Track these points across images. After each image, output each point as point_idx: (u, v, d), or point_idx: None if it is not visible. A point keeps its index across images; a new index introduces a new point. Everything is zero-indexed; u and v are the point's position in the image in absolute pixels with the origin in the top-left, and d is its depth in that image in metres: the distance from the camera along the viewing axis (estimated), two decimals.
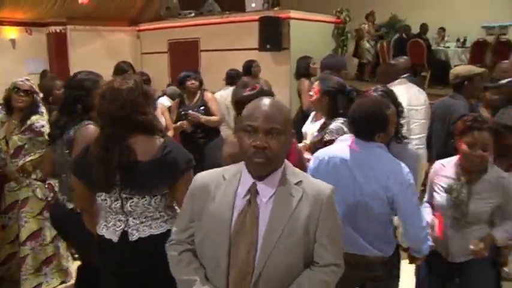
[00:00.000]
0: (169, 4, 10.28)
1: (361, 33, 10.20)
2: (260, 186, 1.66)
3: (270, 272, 1.60)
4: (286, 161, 1.73)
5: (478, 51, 9.07)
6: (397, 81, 4.37)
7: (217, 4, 9.90)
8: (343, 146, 2.44)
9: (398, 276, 2.54)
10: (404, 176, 2.28)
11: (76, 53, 9.46)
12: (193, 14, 9.93)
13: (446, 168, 2.66)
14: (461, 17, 10.29)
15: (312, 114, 3.67)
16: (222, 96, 5.82)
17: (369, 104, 2.41)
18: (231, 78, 6.05)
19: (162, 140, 2.26)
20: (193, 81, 5.11)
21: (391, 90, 2.85)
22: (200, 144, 4.98)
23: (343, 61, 4.64)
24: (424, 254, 2.46)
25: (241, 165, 1.74)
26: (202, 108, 5.02)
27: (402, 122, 4.00)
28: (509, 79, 3.75)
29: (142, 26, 10.59)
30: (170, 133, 4.86)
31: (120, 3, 9.72)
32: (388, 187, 2.26)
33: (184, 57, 9.58)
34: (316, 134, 3.27)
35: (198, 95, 5.14)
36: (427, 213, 2.72)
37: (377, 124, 2.34)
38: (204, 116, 4.93)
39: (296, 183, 1.69)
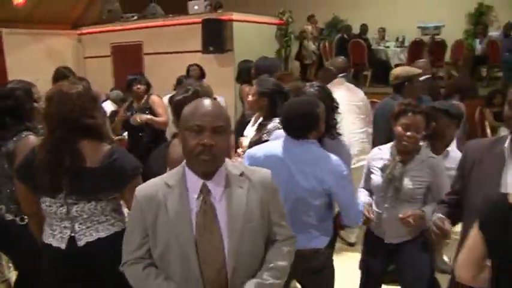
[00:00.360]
0: (111, 7, 10.09)
1: (304, 34, 10.40)
2: (210, 185, 1.72)
3: (242, 261, 1.71)
4: None
5: (415, 51, 9.44)
6: (335, 80, 4.50)
7: (160, 7, 9.81)
8: (277, 144, 2.51)
9: (332, 266, 2.64)
10: (339, 168, 2.39)
11: (13, 57, 9.09)
12: (136, 17, 9.81)
13: (382, 151, 2.85)
14: (400, 18, 10.67)
15: (253, 118, 3.72)
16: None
17: (300, 103, 2.51)
18: (180, 83, 6.04)
19: (109, 146, 2.26)
20: (139, 86, 5.06)
21: (326, 87, 2.95)
22: (147, 149, 4.93)
23: (276, 63, 4.73)
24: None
25: (179, 170, 1.78)
26: (147, 111, 4.98)
27: (338, 117, 4.23)
28: (426, 76, 4.05)
29: (84, 30, 10.37)
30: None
31: (59, 6, 9.49)
32: (324, 180, 2.36)
33: (128, 61, 9.46)
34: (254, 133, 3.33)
35: (145, 98, 5.09)
36: (363, 195, 2.89)
37: (309, 122, 2.43)
38: (147, 116, 4.88)
39: (240, 175, 1.79)
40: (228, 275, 1.69)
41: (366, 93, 4.84)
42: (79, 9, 9.95)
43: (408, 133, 2.62)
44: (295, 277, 2.57)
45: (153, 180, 1.83)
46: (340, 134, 2.84)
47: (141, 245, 1.77)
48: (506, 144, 1.93)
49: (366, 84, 9.36)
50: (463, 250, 1.81)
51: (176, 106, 2.73)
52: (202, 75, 6.58)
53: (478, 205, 1.85)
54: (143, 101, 5.09)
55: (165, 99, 5.72)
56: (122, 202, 2.37)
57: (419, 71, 4.25)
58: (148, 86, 5.17)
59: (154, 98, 5.13)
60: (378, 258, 2.87)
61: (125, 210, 2.36)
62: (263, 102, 3.26)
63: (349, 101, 4.33)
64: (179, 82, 6.09)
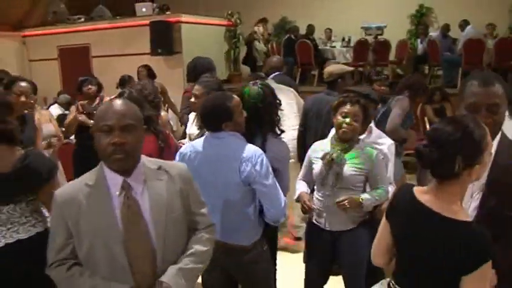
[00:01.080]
0: (56, 8, 9.88)
1: (255, 36, 10.52)
2: (130, 181, 1.77)
3: (169, 250, 1.80)
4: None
5: (360, 51, 9.75)
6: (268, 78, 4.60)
7: (108, 9, 9.71)
8: (201, 140, 2.60)
9: (266, 261, 2.69)
10: (257, 158, 2.42)
11: None
12: (82, 19, 9.68)
13: (323, 144, 2.97)
14: (345, 18, 10.96)
15: (192, 115, 3.79)
16: None
17: (213, 98, 2.61)
18: (123, 82, 6.03)
19: (22, 151, 2.32)
20: (89, 86, 4.98)
21: (269, 85, 3.02)
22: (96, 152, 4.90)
23: (211, 62, 4.82)
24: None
25: (98, 169, 1.81)
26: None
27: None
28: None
29: (28, 32, 10.12)
30: (58, 143, 4.70)
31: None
32: (243, 171, 2.41)
33: (76, 64, 9.32)
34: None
35: (97, 100, 5.00)
36: (301, 185, 3.01)
37: (220, 114, 2.49)
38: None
39: (157, 169, 1.86)
40: (158, 264, 1.76)
41: (313, 92, 4.97)
42: (21, 10, 9.68)
43: (347, 119, 2.75)
44: (228, 271, 2.64)
45: (71, 182, 1.87)
46: (283, 131, 2.90)
47: (64, 246, 1.76)
48: None
49: (313, 84, 9.58)
50: (376, 238, 1.91)
51: None
52: (151, 75, 6.55)
53: None
54: (96, 102, 4.99)
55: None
56: None
57: (351, 68, 4.56)
58: (99, 87, 5.11)
59: (107, 99, 5.09)
60: (321, 249, 2.93)
61: (45, 211, 2.42)
62: None
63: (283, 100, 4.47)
64: (122, 82, 6.08)
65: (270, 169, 2.47)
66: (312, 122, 4.28)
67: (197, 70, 4.50)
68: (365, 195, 2.76)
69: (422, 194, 1.71)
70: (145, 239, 1.75)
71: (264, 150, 2.55)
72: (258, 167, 2.41)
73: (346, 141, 2.82)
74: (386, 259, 1.87)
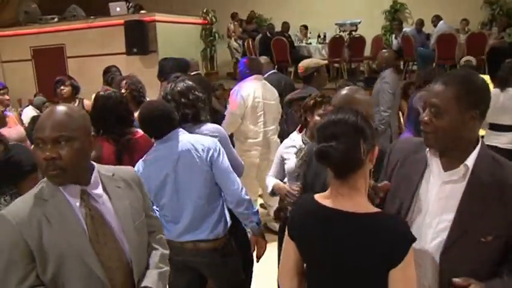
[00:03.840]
0: (27, 8, 9.69)
1: (228, 33, 10.52)
2: (89, 190, 1.66)
3: (140, 256, 1.77)
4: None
5: (335, 47, 9.83)
6: (253, 76, 4.64)
7: (81, 9, 9.59)
8: (155, 149, 2.64)
9: (236, 255, 2.74)
10: (211, 143, 2.56)
11: None
12: (56, 19, 9.53)
13: (294, 140, 2.99)
14: (320, 15, 11.05)
15: None
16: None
17: (156, 105, 2.67)
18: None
19: (2, 146, 2.39)
20: (62, 87, 4.84)
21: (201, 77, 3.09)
22: None
23: (187, 62, 4.85)
24: (258, 226, 2.69)
25: (48, 182, 1.64)
26: None
27: (259, 114, 4.44)
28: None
29: None
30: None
31: None
32: (201, 157, 2.52)
33: (51, 65, 9.17)
34: None
35: (77, 103, 4.89)
36: (271, 181, 3.04)
37: (164, 121, 2.58)
38: None
39: (112, 175, 1.78)
40: (134, 273, 1.70)
41: None
42: None
43: None
44: (198, 271, 2.69)
45: (20, 199, 1.67)
46: (202, 122, 2.93)
47: (28, 273, 1.54)
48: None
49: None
50: (281, 259, 1.73)
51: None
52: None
53: (394, 212, 1.67)
54: (74, 104, 4.87)
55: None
56: None
57: (325, 62, 4.78)
58: (74, 87, 4.93)
59: (87, 103, 4.89)
60: None
61: None
62: None
63: (264, 99, 4.54)
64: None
65: (224, 152, 2.60)
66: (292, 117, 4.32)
67: (163, 71, 4.57)
68: None
69: (324, 199, 1.56)
70: (117, 249, 1.67)
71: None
72: (212, 151, 2.54)
73: None
74: (295, 282, 1.65)
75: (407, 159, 1.73)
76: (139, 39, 8.00)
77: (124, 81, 3.92)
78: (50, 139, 1.54)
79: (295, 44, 10.42)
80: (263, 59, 5.71)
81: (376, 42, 10.44)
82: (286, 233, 1.64)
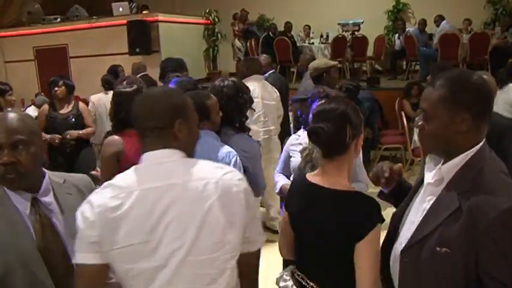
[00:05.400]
0: (30, 9, 9.73)
1: (233, 32, 10.51)
2: (39, 197, 1.64)
3: None
4: None
5: (338, 47, 9.81)
6: (255, 76, 4.64)
7: (84, 9, 9.62)
8: None
9: None
10: (230, 158, 2.47)
11: None
12: (59, 20, 9.56)
13: (300, 138, 3.01)
14: (323, 15, 11.03)
15: None
16: (101, 100, 5.85)
17: (190, 97, 2.63)
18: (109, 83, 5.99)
19: None
20: (56, 88, 4.80)
21: (239, 82, 3.05)
22: (69, 154, 4.85)
23: (182, 62, 4.87)
24: None
25: None
26: (73, 119, 4.81)
27: (258, 114, 4.38)
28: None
29: (2, 32, 9.96)
30: None
31: None
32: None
33: (53, 65, 9.21)
34: None
35: (73, 104, 4.89)
36: (280, 178, 3.04)
37: (198, 112, 2.52)
38: (76, 132, 4.76)
39: (63, 182, 1.74)
40: None
41: (292, 89, 5.01)
42: None
43: None
44: None
45: None
46: (245, 130, 2.93)
47: None
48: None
49: (292, 81, 9.63)
50: (280, 230, 1.95)
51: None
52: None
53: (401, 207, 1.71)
54: (71, 106, 4.89)
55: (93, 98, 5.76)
56: None
57: (335, 62, 4.65)
58: (67, 87, 4.89)
59: (83, 106, 4.99)
60: None
61: None
62: None
63: (263, 100, 4.52)
64: (107, 82, 6.01)
65: (242, 170, 2.50)
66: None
67: (163, 71, 4.60)
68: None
69: (313, 176, 1.80)
70: (65, 255, 1.61)
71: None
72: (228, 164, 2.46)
73: None
74: (290, 248, 1.89)
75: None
76: (142, 39, 8.02)
77: (125, 82, 3.93)
78: (8, 144, 1.53)
79: (298, 44, 10.41)
80: (264, 57, 5.69)
81: (378, 42, 10.42)
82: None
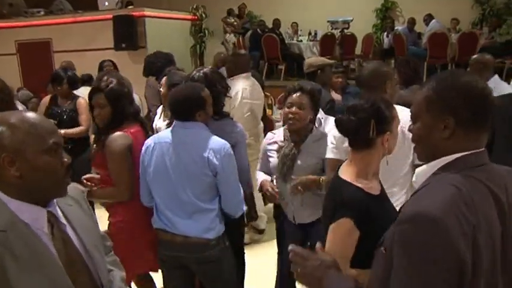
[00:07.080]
0: (11, 1, 9.49)
1: (226, 27, 10.40)
2: (53, 211, 1.49)
3: (105, 274, 1.61)
4: None
5: (327, 44, 9.79)
6: (244, 74, 4.54)
7: (68, 2, 9.41)
8: (168, 130, 2.58)
9: (229, 258, 2.65)
10: (225, 150, 2.47)
11: None
12: (42, 13, 9.33)
13: (276, 136, 2.96)
14: (311, 13, 11.00)
15: (160, 108, 3.81)
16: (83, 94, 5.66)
17: (185, 88, 2.62)
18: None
19: None
20: (59, 88, 4.66)
21: (216, 71, 3.04)
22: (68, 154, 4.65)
23: (171, 56, 4.80)
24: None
25: (1, 209, 1.38)
26: (64, 116, 4.63)
27: (246, 114, 4.32)
28: None
29: None
30: None
31: None
32: (210, 160, 2.43)
33: (36, 59, 8.98)
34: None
35: (72, 99, 4.72)
36: (260, 175, 3.02)
37: (194, 103, 2.51)
38: (62, 131, 4.57)
39: None
40: None
41: (280, 87, 4.93)
42: None
43: (292, 109, 2.71)
44: (189, 268, 2.61)
45: None
46: (225, 115, 2.90)
47: None
48: None
49: (280, 78, 9.57)
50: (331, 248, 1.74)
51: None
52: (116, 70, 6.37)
53: None
54: (68, 102, 4.71)
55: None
56: None
57: (332, 61, 4.64)
58: (70, 85, 4.71)
59: (80, 102, 4.70)
60: (292, 241, 2.87)
61: None
62: None
63: (251, 100, 4.44)
64: (88, 79, 5.86)
65: (235, 163, 2.53)
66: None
67: (152, 67, 4.49)
68: (325, 176, 2.68)
69: (342, 166, 1.89)
70: (88, 272, 1.52)
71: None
72: (225, 159, 2.46)
73: (297, 132, 2.78)
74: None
75: None
76: (128, 34, 7.85)
77: (105, 77, 3.79)
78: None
79: (286, 41, 10.34)
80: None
81: (367, 40, 10.41)
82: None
